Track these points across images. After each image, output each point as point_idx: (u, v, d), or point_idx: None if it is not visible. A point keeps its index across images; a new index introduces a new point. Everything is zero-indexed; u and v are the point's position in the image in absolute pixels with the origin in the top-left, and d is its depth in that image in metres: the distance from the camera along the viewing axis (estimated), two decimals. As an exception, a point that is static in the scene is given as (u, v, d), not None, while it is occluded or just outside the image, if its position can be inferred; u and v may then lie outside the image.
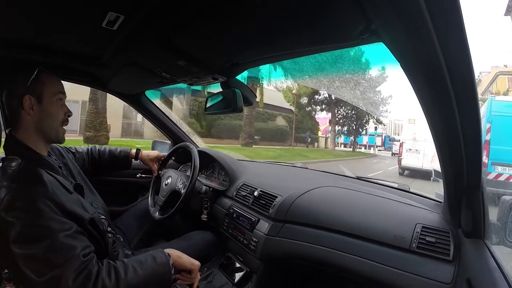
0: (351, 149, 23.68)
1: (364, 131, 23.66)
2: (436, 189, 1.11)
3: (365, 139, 27.33)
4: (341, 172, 1.70)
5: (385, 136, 31.44)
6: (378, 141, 29.75)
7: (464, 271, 0.70)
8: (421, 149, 8.47)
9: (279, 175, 1.51)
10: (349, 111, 20.76)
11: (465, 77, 0.47)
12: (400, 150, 9.21)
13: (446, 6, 0.38)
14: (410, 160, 8.75)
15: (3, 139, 0.81)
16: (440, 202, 0.98)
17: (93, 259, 0.70)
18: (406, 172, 9.21)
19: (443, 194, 0.82)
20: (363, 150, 26.21)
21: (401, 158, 9.06)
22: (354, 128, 21.75)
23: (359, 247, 0.88)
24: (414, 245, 0.80)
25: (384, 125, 24.62)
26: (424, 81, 0.51)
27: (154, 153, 1.43)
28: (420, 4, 0.37)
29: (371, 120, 21.35)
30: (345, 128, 22.11)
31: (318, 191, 1.14)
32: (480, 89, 20.33)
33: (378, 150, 27.82)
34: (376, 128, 24.14)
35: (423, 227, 0.83)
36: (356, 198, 1.07)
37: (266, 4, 0.55)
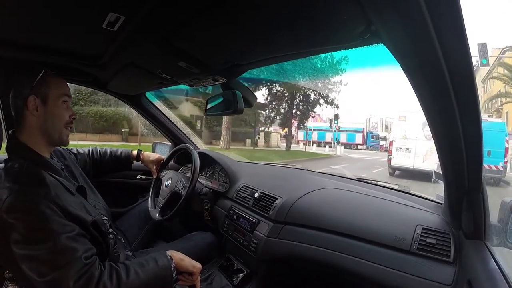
0: (306, 149, 17.36)
1: (330, 123, 17.98)
2: (435, 192, 1.11)
3: (327, 136, 21.73)
4: (342, 174, 1.70)
5: (367, 132, 26.88)
6: (359, 138, 24.97)
7: (464, 272, 0.69)
8: (412, 147, 7.92)
9: (280, 177, 1.51)
10: (277, 88, 13.33)
11: (465, 77, 0.47)
12: (390, 149, 8.52)
13: (446, 6, 0.38)
14: (400, 160, 8.14)
15: (4, 142, 0.81)
16: (441, 203, 0.98)
17: (95, 262, 0.70)
18: (397, 172, 8.58)
19: (443, 195, 0.81)
20: (326, 150, 18.84)
21: (390, 158, 8.40)
22: (289, 115, 14.57)
23: (360, 249, 0.88)
24: (414, 246, 0.80)
25: (338, 108, 16.20)
26: (424, 81, 0.51)
27: (156, 155, 1.43)
28: (421, 5, 0.37)
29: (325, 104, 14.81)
30: (277, 116, 14.80)
31: (318, 193, 1.14)
32: (481, 76, 19.31)
33: (356, 149, 22.50)
34: (337, 116, 17.30)
35: (423, 228, 0.83)
36: (356, 200, 1.07)
37: (266, 5, 0.55)
